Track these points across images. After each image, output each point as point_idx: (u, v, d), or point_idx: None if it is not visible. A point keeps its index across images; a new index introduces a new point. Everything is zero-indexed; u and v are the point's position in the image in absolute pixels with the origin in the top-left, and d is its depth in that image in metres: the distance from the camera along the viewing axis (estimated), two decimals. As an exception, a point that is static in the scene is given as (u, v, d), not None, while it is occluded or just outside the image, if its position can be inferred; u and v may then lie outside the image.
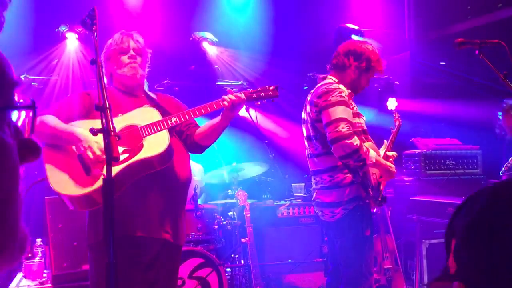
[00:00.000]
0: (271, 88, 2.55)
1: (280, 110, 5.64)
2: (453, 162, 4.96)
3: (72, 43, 5.26)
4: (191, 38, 5.66)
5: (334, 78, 3.06)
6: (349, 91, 3.04)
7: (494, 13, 5.58)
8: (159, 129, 2.36)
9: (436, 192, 4.64)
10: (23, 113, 0.85)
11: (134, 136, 2.35)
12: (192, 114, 2.42)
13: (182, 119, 2.42)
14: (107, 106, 1.67)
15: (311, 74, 4.47)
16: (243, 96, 2.45)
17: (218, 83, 5.10)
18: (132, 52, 2.52)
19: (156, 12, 5.49)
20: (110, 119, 1.67)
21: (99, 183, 2.15)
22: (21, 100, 0.85)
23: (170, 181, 2.43)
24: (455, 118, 5.77)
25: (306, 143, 3.14)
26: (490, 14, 5.64)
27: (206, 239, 4.15)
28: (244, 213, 4.14)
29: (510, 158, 4.10)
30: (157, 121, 2.38)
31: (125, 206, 2.24)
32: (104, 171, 1.67)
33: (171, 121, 2.38)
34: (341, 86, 2.98)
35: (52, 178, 2.26)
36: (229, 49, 6.03)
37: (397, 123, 3.42)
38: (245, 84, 5.40)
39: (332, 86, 2.95)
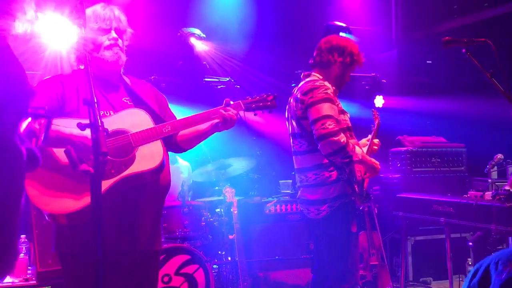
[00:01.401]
0: (269, 97, 2.46)
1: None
2: (439, 160, 5.01)
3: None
4: (179, 34, 5.62)
5: (318, 75, 3.07)
6: (334, 88, 3.05)
7: (481, 12, 5.64)
8: (153, 139, 2.15)
9: (422, 189, 4.69)
10: (28, 120, 0.84)
11: (124, 145, 2.12)
12: (187, 124, 2.25)
13: (177, 131, 2.25)
14: (95, 101, 1.64)
15: (299, 71, 4.46)
16: (233, 112, 2.32)
17: (206, 79, 5.07)
18: (114, 34, 2.24)
19: (143, 7, 5.44)
20: (98, 114, 1.63)
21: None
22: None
23: (151, 188, 2.24)
24: (441, 116, 5.83)
25: (291, 140, 3.14)
26: (476, 13, 5.70)
27: (193, 236, 4.14)
28: (231, 209, 4.14)
29: (495, 156, 4.15)
30: (150, 129, 2.16)
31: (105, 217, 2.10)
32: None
33: (165, 130, 2.18)
34: (327, 83, 2.99)
35: (34, 193, 1.98)
36: (217, 45, 6.01)
37: (376, 122, 3.42)
38: (232, 80, 5.38)
39: (317, 83, 2.96)
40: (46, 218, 2.03)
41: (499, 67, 2.55)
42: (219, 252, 4.31)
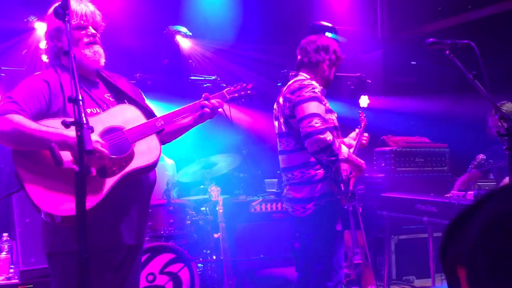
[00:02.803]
0: (249, 86, 2.52)
1: (253, 105, 5.65)
2: (422, 160, 5.06)
3: (42, 33, 5.15)
4: (165, 32, 5.60)
5: (306, 75, 3.09)
6: (321, 87, 3.07)
7: (464, 14, 5.72)
8: (148, 133, 2.15)
9: (406, 188, 4.74)
10: None
11: (122, 141, 2.11)
12: (177, 117, 2.27)
13: (169, 124, 2.26)
14: (80, 98, 1.62)
15: (285, 70, 4.48)
16: (215, 103, 2.35)
17: (192, 77, 5.06)
18: (92, 30, 2.18)
19: (129, 4, 5.41)
20: (83, 112, 1.62)
21: (101, 194, 1.99)
22: None
23: (143, 185, 2.26)
24: (425, 116, 5.90)
25: (277, 139, 3.16)
26: (460, 15, 5.78)
27: (178, 234, 4.13)
28: (217, 208, 4.13)
29: (477, 156, 4.21)
30: (144, 124, 2.17)
31: (101, 216, 2.07)
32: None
33: (158, 124, 2.19)
34: (314, 83, 3.01)
35: (35, 191, 1.94)
36: (203, 44, 6.00)
37: (362, 124, 3.44)
38: (218, 79, 5.38)
39: (305, 82, 2.98)
40: (43, 216, 2.00)
41: (481, 69, 2.59)
42: (204, 251, 4.31)
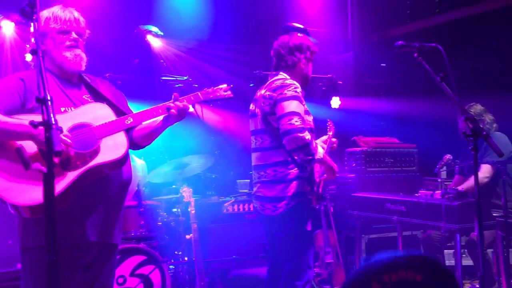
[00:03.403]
0: (226, 88, 2.50)
1: (226, 106, 5.63)
2: (392, 160, 5.15)
3: (8, 31, 5.03)
4: (135, 31, 5.53)
5: (286, 75, 3.11)
6: (301, 88, 3.09)
7: (432, 18, 5.85)
8: (116, 130, 2.19)
9: (376, 188, 4.81)
10: None
11: (88, 137, 2.15)
12: (149, 116, 2.29)
13: (139, 122, 2.30)
14: (49, 98, 1.59)
15: (257, 71, 4.49)
16: (187, 104, 2.35)
17: (163, 77, 5.01)
18: (74, 35, 2.29)
19: (99, 2, 5.32)
20: (52, 112, 1.59)
21: (60, 186, 2.00)
22: None
23: (112, 182, 2.28)
24: (394, 117, 6.01)
25: (252, 137, 3.16)
26: (428, 18, 5.90)
27: (149, 236, 4.09)
28: (189, 209, 4.11)
29: (444, 156, 4.31)
30: (113, 121, 2.21)
31: (67, 211, 2.09)
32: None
33: (127, 121, 2.23)
34: (296, 83, 3.03)
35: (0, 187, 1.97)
36: (175, 44, 5.95)
37: (330, 133, 3.43)
38: (190, 79, 5.34)
39: (287, 81, 3.00)
40: (10, 209, 2.03)
41: (448, 71, 2.65)
42: (176, 252, 4.27)
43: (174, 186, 4.55)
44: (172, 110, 2.30)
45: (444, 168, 4.42)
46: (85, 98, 2.34)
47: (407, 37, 2.97)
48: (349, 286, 1.04)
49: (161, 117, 2.38)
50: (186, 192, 4.15)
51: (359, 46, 6.63)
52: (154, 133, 2.44)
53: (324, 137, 3.39)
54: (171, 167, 4.49)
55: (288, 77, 3.09)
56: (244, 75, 5.72)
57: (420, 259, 1.09)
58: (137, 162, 4.97)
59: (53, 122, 1.57)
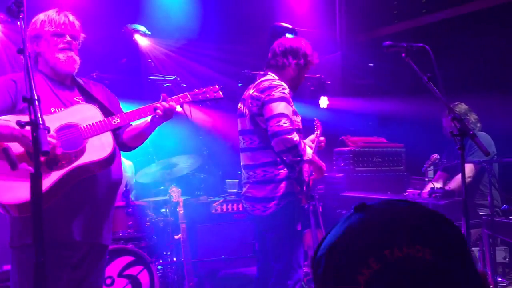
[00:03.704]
0: (215, 88, 2.52)
1: (215, 106, 5.63)
2: (380, 160, 5.18)
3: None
4: (123, 30, 5.49)
5: (274, 76, 3.11)
6: (289, 89, 3.09)
7: (419, 18, 5.89)
8: (102, 130, 2.21)
9: (364, 188, 4.84)
10: None
11: (75, 137, 2.17)
12: (136, 116, 2.31)
13: (126, 122, 2.31)
14: (36, 98, 1.58)
15: (245, 71, 4.48)
16: (174, 105, 2.36)
17: (151, 77, 4.98)
18: (68, 38, 2.32)
19: (86, 1, 5.27)
20: (39, 112, 1.58)
21: (45, 185, 1.99)
22: None
23: (102, 182, 2.29)
24: (382, 117, 6.04)
25: (240, 137, 3.16)
26: (415, 19, 5.95)
27: (137, 237, 4.06)
28: (177, 209, 4.09)
29: (431, 156, 4.35)
30: (100, 121, 2.23)
31: (54, 210, 2.09)
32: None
33: (114, 121, 2.25)
34: (284, 84, 3.03)
35: None
36: (163, 43, 5.92)
37: (318, 132, 3.45)
38: (178, 79, 5.32)
39: (275, 82, 3.00)
40: (9, 210, 2.05)
41: (436, 71, 2.68)
42: (165, 253, 4.25)
43: (162, 188, 4.53)
44: (158, 111, 2.32)
45: (431, 167, 4.45)
46: (77, 99, 2.36)
47: (394, 37, 2.99)
48: (333, 261, 0.76)
49: (149, 118, 2.39)
50: (175, 192, 4.13)
51: (347, 46, 6.66)
52: (143, 133, 2.46)
53: (312, 136, 3.41)
54: (159, 167, 4.47)
55: (276, 77, 3.09)
56: (232, 74, 5.72)
57: (434, 228, 0.75)
58: (125, 162, 4.94)
59: (40, 122, 1.56)
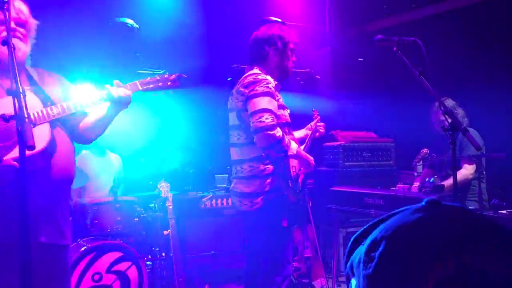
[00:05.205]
0: (171, 77, 2.44)
1: (204, 100, 5.59)
2: (369, 154, 5.18)
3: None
4: (110, 24, 5.41)
5: (258, 70, 3.08)
6: (276, 82, 3.06)
7: (409, 13, 5.89)
8: (38, 122, 2.06)
9: (354, 182, 4.84)
10: None
11: (7, 129, 2.03)
12: (77, 107, 2.20)
13: (66, 112, 2.17)
14: (21, 91, 1.53)
15: (234, 65, 4.45)
16: (128, 89, 2.30)
17: (140, 71, 4.92)
18: (12, 25, 2.18)
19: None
20: (24, 105, 1.53)
21: None
22: None
23: (50, 177, 2.17)
24: (372, 112, 6.04)
25: (230, 131, 3.14)
26: (404, 13, 5.95)
27: (125, 232, 4.03)
28: (166, 204, 4.05)
29: (421, 150, 4.36)
30: (36, 112, 2.09)
31: None
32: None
33: (52, 112, 2.11)
34: (269, 77, 3.00)
35: None
36: (151, 36, 5.85)
37: (315, 120, 3.48)
38: (167, 73, 5.26)
39: (259, 77, 2.97)
40: None
41: (427, 65, 2.67)
42: (153, 248, 4.22)
43: (151, 183, 4.49)
44: (109, 94, 2.26)
45: (421, 162, 4.46)
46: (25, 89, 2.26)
47: (384, 32, 2.97)
48: (401, 247, 0.71)
49: (102, 111, 2.32)
50: (164, 187, 4.09)
51: (336, 41, 6.65)
52: (101, 122, 2.38)
53: (309, 125, 3.40)
54: (148, 162, 4.43)
55: (260, 72, 3.05)
56: (221, 68, 5.68)
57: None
58: (113, 157, 4.89)
59: (26, 116, 1.51)
